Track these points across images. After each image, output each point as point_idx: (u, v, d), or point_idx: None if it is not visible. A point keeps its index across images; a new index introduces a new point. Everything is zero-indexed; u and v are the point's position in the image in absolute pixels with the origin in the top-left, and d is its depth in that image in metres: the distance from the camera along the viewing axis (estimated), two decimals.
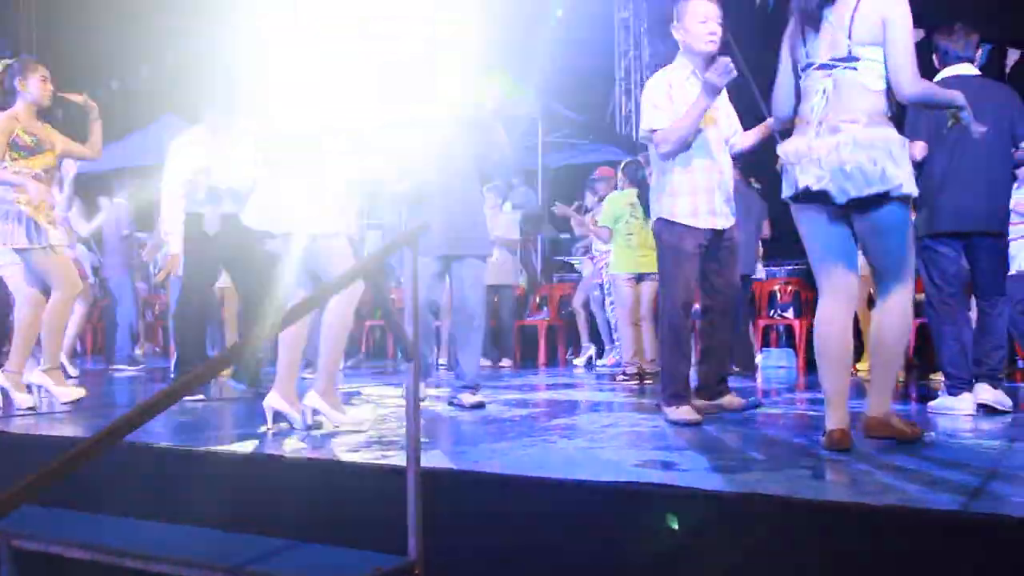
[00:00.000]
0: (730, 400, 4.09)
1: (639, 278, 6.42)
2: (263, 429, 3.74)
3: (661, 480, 2.56)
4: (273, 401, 3.75)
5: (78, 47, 14.31)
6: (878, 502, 2.24)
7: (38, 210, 4.51)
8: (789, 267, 8.65)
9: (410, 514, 2.55)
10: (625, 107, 13.83)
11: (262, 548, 2.65)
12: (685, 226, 3.86)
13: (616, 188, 7.07)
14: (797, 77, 3.19)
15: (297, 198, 3.67)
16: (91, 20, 14.43)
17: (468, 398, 4.54)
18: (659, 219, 3.95)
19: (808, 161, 3.02)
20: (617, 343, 7.65)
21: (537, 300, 9.55)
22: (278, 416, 3.77)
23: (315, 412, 3.75)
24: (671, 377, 3.87)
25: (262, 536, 2.78)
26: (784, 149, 3.13)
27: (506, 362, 8.28)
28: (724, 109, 4.05)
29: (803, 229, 3.20)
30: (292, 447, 3.32)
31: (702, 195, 3.87)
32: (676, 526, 2.26)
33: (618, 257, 6.55)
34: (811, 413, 4.26)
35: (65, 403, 4.58)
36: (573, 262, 8.37)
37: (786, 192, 3.17)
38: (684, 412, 3.78)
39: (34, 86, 4.60)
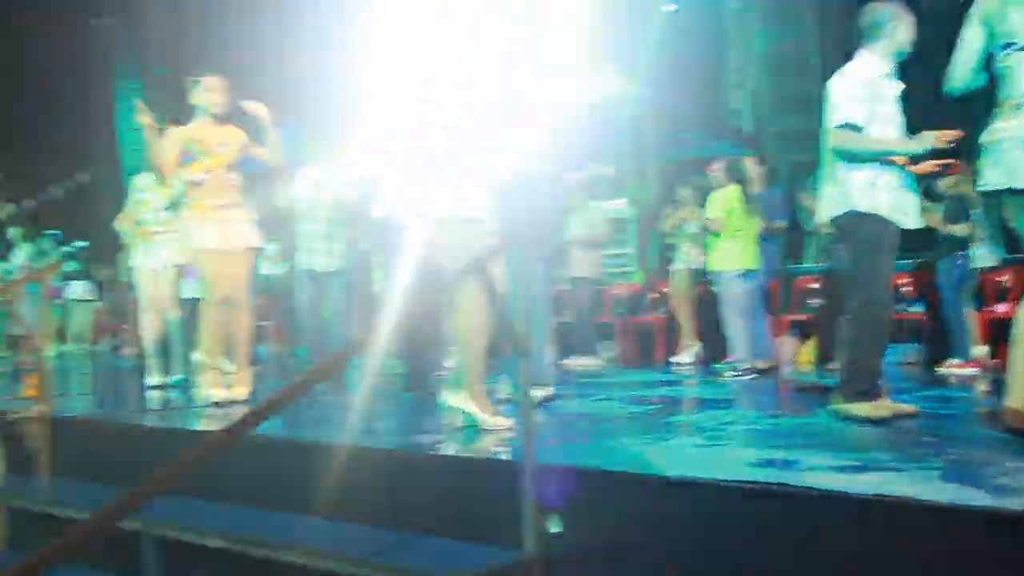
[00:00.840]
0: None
1: (746, 274, 6.35)
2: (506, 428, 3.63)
3: (780, 479, 2.50)
4: (455, 399, 3.73)
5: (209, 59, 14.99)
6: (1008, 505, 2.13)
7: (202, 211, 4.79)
8: None
9: (526, 510, 2.57)
10: (736, 100, 13.55)
11: (383, 540, 2.73)
12: (885, 220, 3.74)
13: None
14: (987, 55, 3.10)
15: (435, 184, 3.69)
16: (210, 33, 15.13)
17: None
18: (852, 212, 3.77)
19: None
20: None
21: (653, 297, 9.46)
22: (458, 414, 3.73)
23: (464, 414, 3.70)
24: (864, 373, 3.73)
25: (382, 528, 2.86)
26: (1006, 133, 3.03)
27: (586, 360, 8.11)
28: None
29: None
30: (411, 442, 3.39)
31: (901, 191, 3.75)
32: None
33: (727, 253, 6.47)
34: (942, 412, 4.09)
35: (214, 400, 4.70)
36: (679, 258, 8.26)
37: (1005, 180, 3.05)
38: (876, 408, 3.67)
39: (201, 98, 4.87)
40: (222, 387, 4.77)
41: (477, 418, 3.62)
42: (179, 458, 1.97)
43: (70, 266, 11.96)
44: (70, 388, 6.25)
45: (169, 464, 1.96)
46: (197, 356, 4.89)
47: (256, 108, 4.92)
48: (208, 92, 4.87)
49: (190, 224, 4.83)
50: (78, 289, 12.22)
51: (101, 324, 12.93)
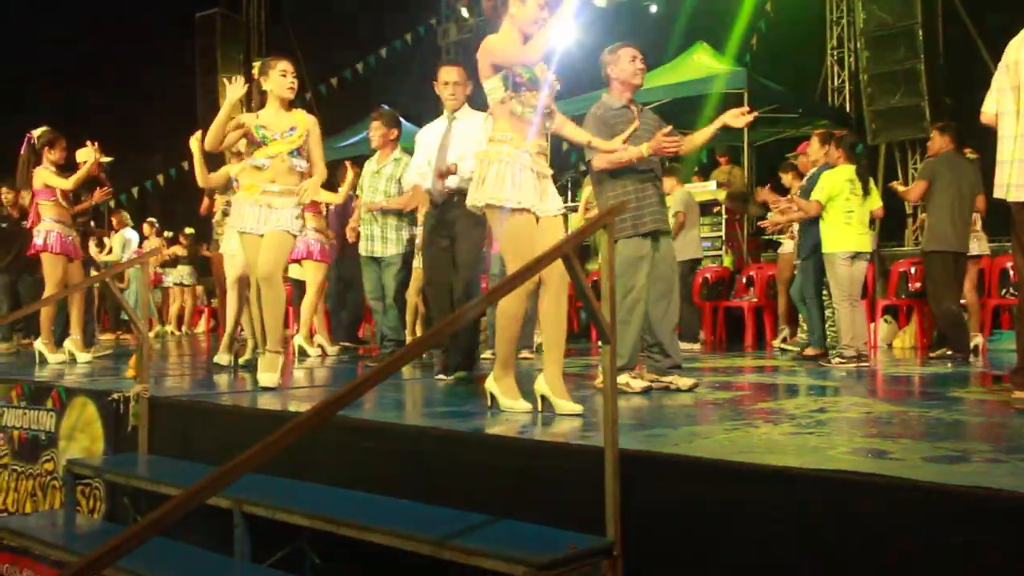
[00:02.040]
0: None
1: (854, 257, 6.12)
2: (523, 412, 3.69)
3: (872, 470, 2.42)
4: (489, 384, 3.79)
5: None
6: None
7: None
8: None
9: (608, 495, 2.55)
10: (837, 78, 13.14)
11: (463, 523, 2.74)
12: None
13: (815, 162, 6.82)
14: None
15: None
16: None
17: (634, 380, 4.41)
18: None
19: None
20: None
21: (744, 280, 9.28)
22: (492, 399, 3.78)
23: (542, 399, 3.68)
24: None
25: (464, 511, 2.87)
26: None
27: (687, 345, 7.99)
28: None
29: None
30: (495, 426, 3.39)
31: None
32: None
33: (835, 235, 6.24)
34: None
35: (264, 386, 4.66)
36: (782, 240, 8.05)
37: None
38: None
39: (275, 81, 4.85)
40: (271, 371, 4.74)
41: (499, 399, 3.72)
42: (267, 438, 2.01)
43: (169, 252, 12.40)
44: (169, 370, 6.46)
45: (258, 444, 2.00)
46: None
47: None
48: (281, 77, 4.86)
49: (237, 206, 4.93)
50: (179, 274, 12.66)
51: (199, 308, 13.37)
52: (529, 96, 3.71)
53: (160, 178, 15.01)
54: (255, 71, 5.02)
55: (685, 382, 4.45)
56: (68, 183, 6.86)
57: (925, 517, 2.18)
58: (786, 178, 7.75)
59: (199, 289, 12.86)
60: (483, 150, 3.74)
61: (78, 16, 15.92)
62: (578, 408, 3.57)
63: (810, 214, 6.36)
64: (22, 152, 7.07)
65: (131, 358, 5.35)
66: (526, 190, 3.64)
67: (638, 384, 4.31)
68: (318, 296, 7.55)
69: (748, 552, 2.40)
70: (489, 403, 3.78)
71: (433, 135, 5.33)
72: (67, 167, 7.03)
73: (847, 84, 13.00)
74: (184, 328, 12.78)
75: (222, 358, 6.19)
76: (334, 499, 3.21)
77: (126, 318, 12.19)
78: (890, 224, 9.76)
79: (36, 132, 7.03)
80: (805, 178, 7.11)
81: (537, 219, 3.69)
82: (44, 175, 6.88)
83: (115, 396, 4.49)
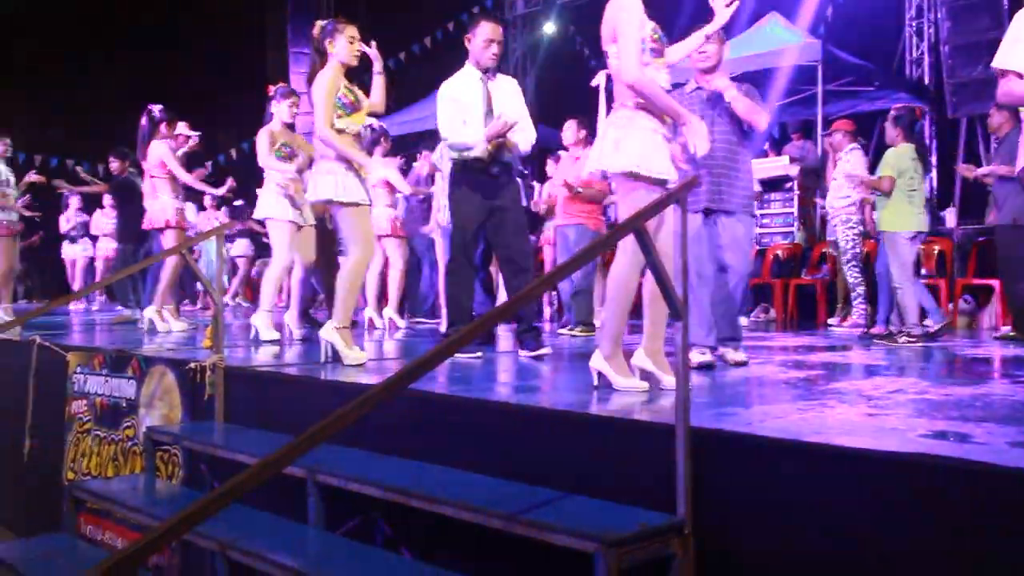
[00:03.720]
0: None
1: (914, 237, 6.10)
2: (640, 390, 3.59)
3: (952, 453, 2.35)
4: (596, 362, 3.67)
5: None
6: None
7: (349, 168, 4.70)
8: None
9: (678, 473, 2.54)
10: (916, 49, 12.73)
11: (534, 498, 2.75)
12: None
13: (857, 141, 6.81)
14: None
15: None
16: None
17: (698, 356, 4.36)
18: None
19: None
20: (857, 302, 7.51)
21: (816, 257, 9.10)
22: (600, 377, 3.67)
23: (599, 374, 3.66)
24: None
25: (534, 486, 2.88)
26: None
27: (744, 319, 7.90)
28: None
29: None
30: (567, 402, 3.39)
31: None
32: None
33: (898, 214, 6.22)
34: None
35: (348, 365, 4.63)
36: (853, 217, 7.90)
37: None
38: None
39: (342, 46, 4.74)
40: (355, 348, 4.74)
41: (611, 378, 3.61)
42: (340, 409, 2.04)
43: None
44: (240, 341, 6.60)
45: (331, 416, 2.03)
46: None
47: (373, 51, 4.95)
48: (349, 43, 4.77)
49: (340, 176, 4.70)
50: (240, 247, 12.88)
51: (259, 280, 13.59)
52: (659, 61, 3.62)
53: (233, 152, 15.28)
54: (316, 31, 4.85)
55: (738, 356, 4.45)
56: (181, 174, 7.11)
57: (1009, 504, 2.11)
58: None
59: (258, 262, 13.07)
60: (621, 113, 3.60)
61: None
62: (641, 384, 3.57)
63: (883, 190, 6.27)
64: (142, 123, 7.32)
65: (207, 328, 5.47)
66: (667, 162, 3.58)
67: (696, 359, 4.28)
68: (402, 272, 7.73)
69: (820, 535, 2.36)
70: (596, 382, 3.67)
71: (470, 94, 5.01)
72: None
73: (926, 56, 12.60)
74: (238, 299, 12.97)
75: (296, 331, 6.30)
76: (405, 471, 3.24)
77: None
78: (975, 203, 9.48)
79: (155, 107, 7.27)
80: (842, 154, 7.40)
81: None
82: (161, 151, 7.11)
83: (192, 366, 4.60)
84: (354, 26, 4.84)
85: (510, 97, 5.07)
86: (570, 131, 7.53)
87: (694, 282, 4.28)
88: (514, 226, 5.06)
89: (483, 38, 4.97)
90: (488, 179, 5.00)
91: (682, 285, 2.56)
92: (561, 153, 8.11)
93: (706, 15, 4.30)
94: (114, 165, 9.36)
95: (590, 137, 7.60)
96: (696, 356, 4.30)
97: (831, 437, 2.57)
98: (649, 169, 3.50)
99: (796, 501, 2.42)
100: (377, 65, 5.04)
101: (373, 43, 5.00)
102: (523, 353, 5.07)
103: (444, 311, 5.80)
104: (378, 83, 5.06)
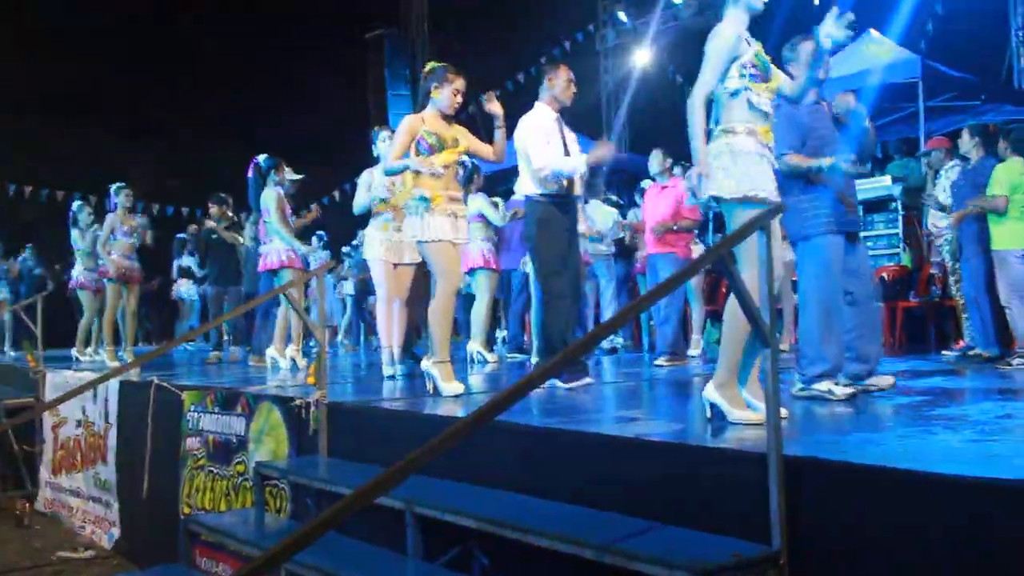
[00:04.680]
0: None
1: None
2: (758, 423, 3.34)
3: None
4: (709, 393, 3.56)
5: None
6: None
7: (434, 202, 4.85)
8: None
9: (772, 503, 2.51)
10: (1023, 60, 12.25)
11: (625, 528, 2.75)
12: None
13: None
14: None
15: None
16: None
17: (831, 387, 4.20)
18: None
19: None
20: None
21: (925, 279, 8.80)
22: (713, 410, 3.55)
23: (713, 406, 3.54)
24: None
25: (625, 515, 2.89)
26: None
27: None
28: None
29: None
30: (654, 431, 3.38)
31: None
32: None
33: (1011, 232, 5.97)
34: None
35: (447, 397, 4.73)
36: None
37: None
38: None
39: (445, 96, 4.97)
40: (454, 381, 4.84)
41: (724, 411, 3.49)
42: (430, 441, 2.10)
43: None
44: (342, 377, 6.79)
45: (422, 448, 2.10)
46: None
47: (494, 105, 5.09)
48: (454, 95, 4.99)
49: (428, 215, 4.85)
50: (350, 286, 13.23)
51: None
52: (760, 86, 3.63)
53: (336, 195, 15.76)
54: (425, 71, 5.12)
55: (886, 381, 4.36)
56: (276, 224, 7.43)
57: None
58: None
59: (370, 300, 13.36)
60: (724, 140, 3.59)
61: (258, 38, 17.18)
62: (757, 417, 3.39)
63: (999, 210, 6.05)
64: (249, 175, 7.72)
65: (311, 366, 5.65)
66: (773, 183, 3.58)
67: (842, 391, 4.10)
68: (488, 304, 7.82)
69: (920, 567, 2.29)
70: (709, 415, 3.54)
71: (551, 128, 5.24)
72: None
73: None
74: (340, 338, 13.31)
75: (388, 370, 6.33)
76: (501, 502, 3.29)
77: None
78: None
79: (260, 157, 7.66)
80: (943, 172, 7.10)
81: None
82: (268, 197, 7.46)
83: (297, 402, 4.76)
84: (462, 79, 5.05)
85: (574, 140, 5.36)
86: (656, 160, 7.54)
87: (835, 310, 4.17)
88: (577, 253, 5.32)
89: (566, 78, 5.29)
90: (570, 207, 5.20)
91: (768, 310, 2.55)
92: (646, 183, 8.11)
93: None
94: (212, 210, 9.83)
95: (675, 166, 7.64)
96: (839, 389, 4.11)
97: (930, 465, 2.50)
98: (762, 190, 3.48)
99: (893, 532, 2.36)
100: (498, 120, 5.15)
101: (494, 98, 5.14)
102: (559, 385, 4.97)
103: (534, 343, 5.87)
104: (499, 137, 5.17)
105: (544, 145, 5.14)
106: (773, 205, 3.42)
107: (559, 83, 5.27)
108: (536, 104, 5.36)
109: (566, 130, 5.33)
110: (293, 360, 7.53)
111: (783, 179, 4.33)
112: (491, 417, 2.21)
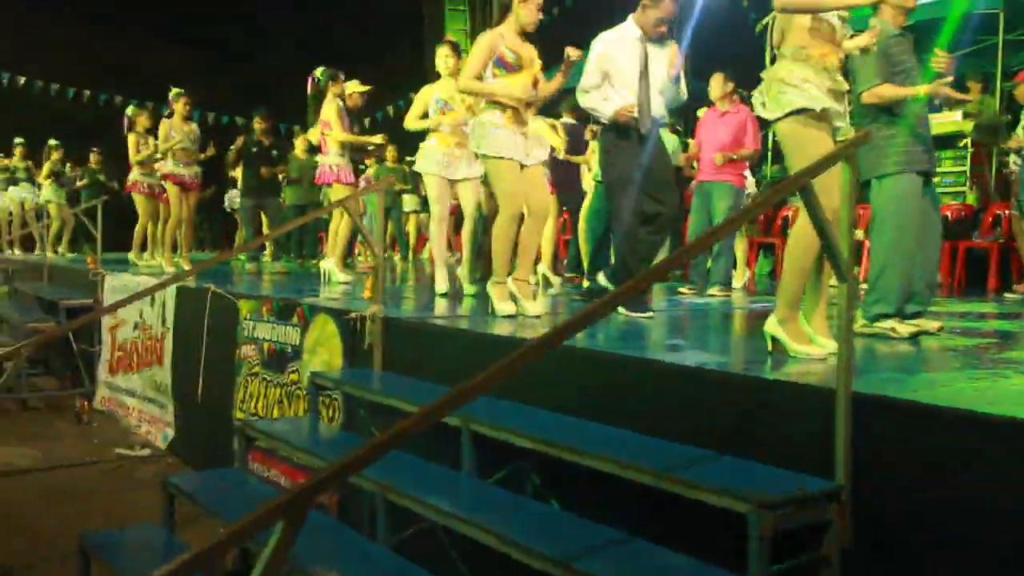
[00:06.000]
0: None
1: None
2: (820, 358, 3.36)
3: None
4: (771, 327, 3.50)
5: None
6: None
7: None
8: None
9: (839, 438, 2.47)
10: None
11: (685, 456, 2.74)
12: None
13: None
14: None
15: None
16: None
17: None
18: None
19: None
20: None
21: (990, 220, 8.56)
22: (775, 344, 3.49)
23: (774, 340, 3.49)
24: None
25: (686, 445, 2.87)
26: None
27: None
28: None
29: None
30: (716, 361, 3.35)
31: None
32: None
33: None
34: None
35: (501, 316, 4.74)
36: None
37: None
38: None
39: (530, 10, 4.83)
40: (510, 301, 4.84)
41: (785, 345, 3.44)
42: (498, 362, 2.09)
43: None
44: (402, 293, 6.82)
45: (492, 368, 2.08)
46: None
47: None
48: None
49: (492, 131, 4.80)
50: (407, 202, 13.25)
51: (424, 234, 13.95)
52: None
53: (389, 109, 15.65)
54: None
55: (932, 324, 4.21)
56: (340, 135, 7.40)
57: None
58: None
59: (422, 216, 13.39)
60: (780, 64, 3.49)
61: None
62: (819, 351, 3.38)
63: None
64: (308, 92, 7.69)
65: (367, 280, 5.68)
66: (827, 98, 3.45)
67: (905, 329, 4.03)
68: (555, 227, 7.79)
69: (986, 511, 2.25)
70: (770, 347, 3.49)
71: (628, 60, 4.97)
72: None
73: None
74: (410, 253, 13.42)
75: (468, 288, 6.25)
76: (557, 424, 3.30)
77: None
78: None
79: (317, 72, 7.61)
80: None
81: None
82: (328, 111, 7.44)
83: (352, 315, 4.80)
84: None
85: (661, 67, 5.03)
86: (717, 85, 7.32)
87: (905, 249, 4.04)
88: (663, 182, 5.02)
89: (659, 17, 4.91)
90: (639, 137, 4.97)
91: (849, 244, 2.47)
92: (702, 111, 7.89)
93: None
94: (257, 125, 9.89)
95: (736, 91, 7.40)
96: (903, 327, 4.04)
97: (1004, 408, 2.43)
98: (809, 100, 3.37)
99: (961, 474, 2.32)
100: (564, 68, 4.91)
101: (577, 51, 4.86)
102: (626, 314, 4.93)
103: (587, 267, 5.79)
104: (557, 81, 4.98)
105: (596, 74, 5.00)
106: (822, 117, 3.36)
107: (652, 12, 4.91)
108: (629, 19, 5.05)
109: (655, 52, 5.01)
110: (329, 272, 7.55)
111: (860, 114, 4.19)
112: (561, 341, 2.18)
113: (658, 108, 5.01)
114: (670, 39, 5.13)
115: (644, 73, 4.95)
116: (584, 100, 5.06)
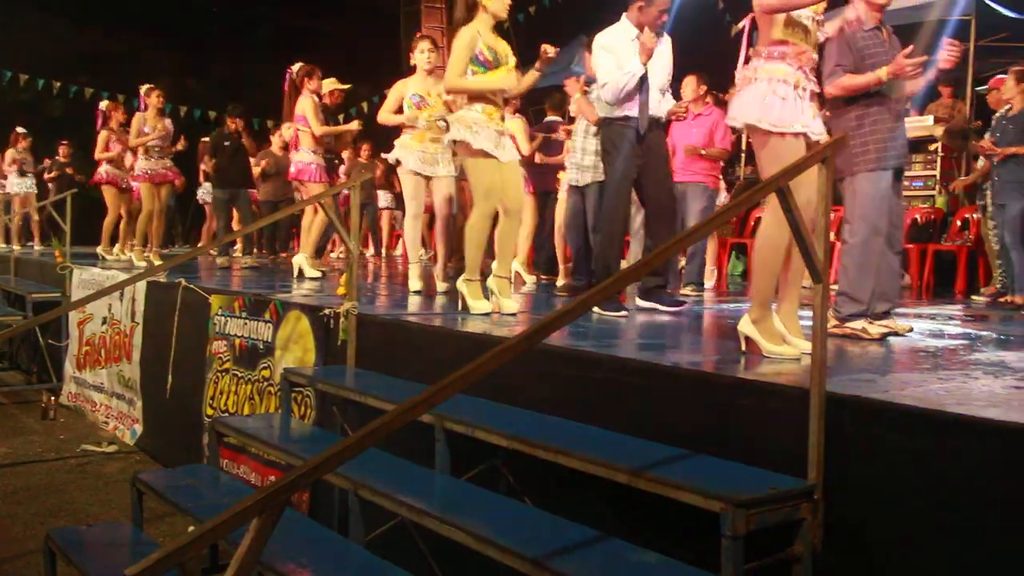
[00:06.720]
0: None
1: None
2: (793, 358, 3.37)
3: None
4: (744, 326, 3.51)
5: None
6: None
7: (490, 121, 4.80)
8: None
9: (812, 437, 2.49)
10: None
11: (660, 454, 2.75)
12: None
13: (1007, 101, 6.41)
14: None
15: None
16: None
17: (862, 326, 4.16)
18: None
19: None
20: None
21: (959, 224, 8.67)
22: (748, 343, 3.50)
23: (747, 340, 3.50)
24: None
25: (660, 444, 2.88)
26: None
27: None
28: None
29: None
30: (690, 360, 3.36)
31: None
32: None
33: None
34: None
35: (475, 315, 4.75)
36: None
37: None
38: None
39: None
40: (482, 299, 4.85)
41: (760, 344, 3.46)
42: (473, 361, 2.08)
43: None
44: (375, 289, 6.79)
45: (467, 366, 2.08)
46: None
47: (551, 55, 4.84)
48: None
49: (472, 126, 4.79)
50: (381, 199, 13.20)
51: (396, 232, 13.90)
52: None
53: (364, 105, 15.56)
54: None
55: (902, 326, 4.25)
56: (318, 129, 7.35)
57: None
58: None
59: (397, 213, 13.34)
60: (752, 63, 3.51)
61: None
62: (792, 352, 3.40)
63: None
64: (285, 87, 7.63)
65: (341, 276, 5.65)
66: (795, 113, 3.45)
67: (876, 330, 4.06)
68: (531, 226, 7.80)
69: (958, 511, 2.28)
70: (743, 348, 3.51)
71: (624, 49, 4.98)
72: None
73: None
74: (384, 251, 13.37)
75: (441, 285, 6.25)
76: (531, 422, 3.30)
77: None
78: None
79: (294, 68, 7.55)
80: (995, 117, 6.73)
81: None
82: (304, 105, 7.39)
83: (326, 311, 4.77)
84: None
85: (663, 62, 5.09)
86: (689, 87, 7.35)
87: (876, 248, 4.06)
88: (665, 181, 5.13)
89: (660, 9, 4.94)
90: (637, 135, 5.02)
91: (823, 245, 2.49)
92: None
93: None
94: (229, 123, 9.84)
95: (709, 94, 7.46)
96: (873, 328, 4.06)
97: (973, 409, 2.47)
98: (768, 123, 3.39)
99: (934, 474, 2.34)
100: (539, 64, 4.90)
101: (553, 48, 4.85)
102: (662, 308, 5.15)
103: (562, 267, 5.82)
104: (531, 76, 4.98)
105: (609, 62, 5.04)
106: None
107: (650, 11, 4.94)
108: (624, 18, 5.08)
109: (658, 61, 5.07)
110: (301, 269, 7.51)
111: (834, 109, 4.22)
112: (539, 339, 2.18)
113: (657, 108, 5.07)
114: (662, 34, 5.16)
115: (649, 71, 5.00)
116: (606, 92, 5.01)
